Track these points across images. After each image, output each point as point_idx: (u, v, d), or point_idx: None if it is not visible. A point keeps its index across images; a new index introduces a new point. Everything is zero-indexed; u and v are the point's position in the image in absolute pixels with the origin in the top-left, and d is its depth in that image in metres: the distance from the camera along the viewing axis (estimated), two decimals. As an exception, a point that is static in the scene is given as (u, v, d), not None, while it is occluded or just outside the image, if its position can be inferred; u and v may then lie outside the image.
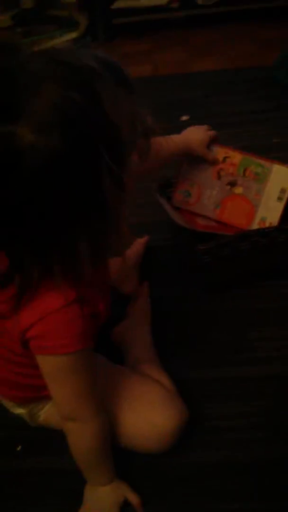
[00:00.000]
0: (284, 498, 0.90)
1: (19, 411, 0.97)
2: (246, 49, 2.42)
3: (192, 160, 1.24)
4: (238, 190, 1.23)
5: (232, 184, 1.23)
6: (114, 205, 0.65)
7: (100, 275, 0.81)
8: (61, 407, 0.82)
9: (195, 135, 1.22)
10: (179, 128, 1.86)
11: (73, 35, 2.60)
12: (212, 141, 1.24)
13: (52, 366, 0.77)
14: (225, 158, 1.24)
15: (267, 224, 1.20)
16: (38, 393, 0.89)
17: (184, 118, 1.94)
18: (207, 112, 1.97)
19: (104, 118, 0.61)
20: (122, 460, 0.92)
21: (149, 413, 0.91)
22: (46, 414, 0.96)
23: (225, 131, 1.82)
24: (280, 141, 1.75)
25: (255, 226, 1.21)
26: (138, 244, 1.32)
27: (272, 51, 2.26)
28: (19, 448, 1.00)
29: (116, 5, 2.65)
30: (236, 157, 1.22)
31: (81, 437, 0.84)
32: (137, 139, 0.65)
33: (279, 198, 1.19)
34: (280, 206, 1.19)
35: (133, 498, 0.89)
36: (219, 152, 1.24)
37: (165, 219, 1.26)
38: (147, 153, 0.70)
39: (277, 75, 2.06)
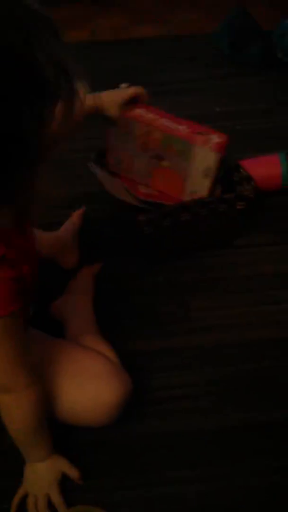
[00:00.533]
0: (225, 464, 0.91)
1: None
2: (188, 16, 2.38)
3: (116, 127, 1.21)
4: (165, 163, 1.20)
5: (159, 157, 1.20)
6: (36, 158, 0.61)
7: (23, 236, 0.79)
8: None
9: (108, 95, 1.19)
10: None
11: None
12: (134, 101, 1.20)
13: None
14: (147, 132, 1.20)
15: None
16: None
17: (124, 85, 1.89)
18: (147, 80, 1.90)
19: (30, 51, 0.56)
20: (62, 435, 0.92)
21: (94, 387, 0.89)
22: None
23: (167, 98, 1.80)
24: (222, 109, 1.74)
25: (186, 197, 1.19)
26: (75, 216, 1.29)
27: (214, 18, 2.24)
28: None
29: None
30: (157, 133, 1.19)
31: (17, 409, 0.81)
32: (63, 85, 0.60)
33: (206, 175, 1.17)
34: (206, 182, 1.17)
35: (72, 472, 0.88)
36: (140, 127, 1.20)
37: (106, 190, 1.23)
38: (72, 107, 0.65)
39: (219, 44, 2.03)
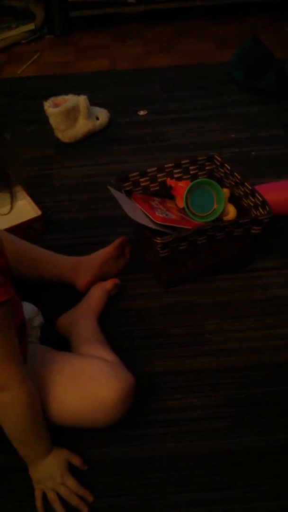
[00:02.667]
0: (237, 487, 0.92)
1: None
2: (202, 46, 2.44)
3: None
4: None
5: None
6: None
7: None
8: None
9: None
10: (137, 122, 1.89)
11: (29, 27, 2.55)
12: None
13: None
14: None
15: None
16: None
17: (142, 113, 1.95)
18: (163, 107, 1.98)
19: None
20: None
21: (91, 386, 0.91)
22: None
23: (182, 126, 1.85)
24: (238, 136, 1.78)
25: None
26: (111, 249, 1.27)
27: (228, 48, 2.30)
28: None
29: (73, -2, 2.63)
30: None
31: (13, 408, 0.83)
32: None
33: None
34: None
35: (75, 459, 0.92)
36: None
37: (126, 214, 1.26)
38: None
39: (233, 73, 2.09)
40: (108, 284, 1.22)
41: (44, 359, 0.95)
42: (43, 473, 0.91)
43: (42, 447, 0.90)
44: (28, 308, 1.07)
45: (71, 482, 0.91)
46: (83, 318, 1.14)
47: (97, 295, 1.20)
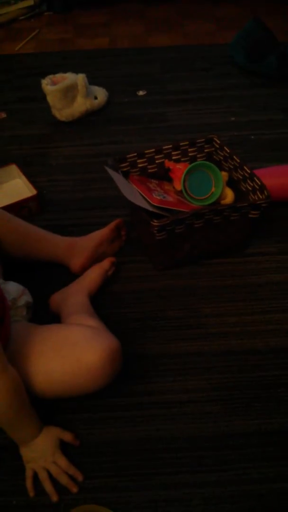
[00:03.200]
0: (229, 470, 0.92)
1: None
2: (203, 26, 2.41)
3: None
4: None
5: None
6: None
7: None
8: None
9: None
10: (136, 103, 1.86)
11: (28, 3, 2.51)
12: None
13: None
14: None
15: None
16: None
17: (141, 93, 1.92)
18: (163, 87, 1.95)
19: None
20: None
21: (73, 352, 0.91)
22: None
23: (182, 107, 1.83)
24: (237, 119, 1.76)
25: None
26: (107, 231, 1.26)
27: (230, 29, 2.26)
28: None
29: (73, -26, 2.58)
30: None
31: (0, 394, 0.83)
32: None
33: None
34: None
35: (66, 435, 0.93)
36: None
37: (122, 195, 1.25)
38: None
39: (234, 55, 2.06)
40: (105, 263, 1.21)
41: (27, 334, 0.95)
42: (34, 453, 0.91)
43: (31, 429, 0.90)
44: (13, 288, 1.06)
45: (62, 461, 0.91)
46: (74, 294, 1.14)
47: (93, 274, 1.19)
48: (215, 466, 0.93)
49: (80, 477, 0.91)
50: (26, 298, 1.07)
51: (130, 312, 1.18)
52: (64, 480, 0.90)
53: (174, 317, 1.16)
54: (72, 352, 0.90)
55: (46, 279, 1.22)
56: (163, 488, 0.90)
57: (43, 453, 0.91)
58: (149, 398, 1.02)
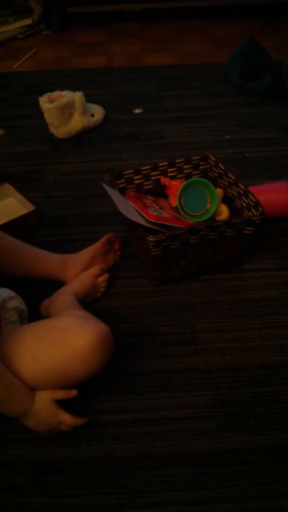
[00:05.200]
0: (223, 487, 0.92)
1: None
2: (200, 46, 2.44)
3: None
4: None
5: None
6: None
7: None
8: None
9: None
10: (132, 120, 1.88)
11: (27, 21, 2.54)
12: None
13: None
14: None
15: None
16: None
17: (137, 111, 1.95)
18: (159, 106, 1.98)
19: None
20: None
21: (63, 338, 0.92)
22: None
23: (177, 125, 1.85)
24: (232, 137, 1.78)
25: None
26: (99, 244, 1.27)
27: (225, 48, 2.30)
28: None
29: (71, -6, 2.62)
30: None
31: None
32: None
33: None
34: None
35: (60, 394, 0.94)
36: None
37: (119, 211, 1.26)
38: None
39: (229, 74, 2.09)
40: (94, 269, 1.22)
41: (17, 332, 0.97)
42: (37, 421, 0.94)
43: (26, 397, 0.92)
44: (4, 292, 1.08)
45: (67, 418, 0.94)
46: (61, 294, 1.16)
47: (81, 277, 1.21)
48: (211, 483, 0.92)
49: (85, 420, 0.95)
50: (17, 303, 1.08)
51: (126, 327, 1.18)
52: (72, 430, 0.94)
53: (170, 333, 1.17)
54: (62, 338, 0.92)
55: (41, 293, 1.23)
56: (159, 505, 0.89)
57: (46, 419, 0.93)
58: (144, 414, 1.02)
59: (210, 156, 1.41)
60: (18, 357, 0.92)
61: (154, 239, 1.12)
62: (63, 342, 0.91)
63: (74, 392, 0.95)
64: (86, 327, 0.93)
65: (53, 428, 0.95)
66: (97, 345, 0.91)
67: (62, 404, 0.95)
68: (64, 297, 1.14)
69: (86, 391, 1.00)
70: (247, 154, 1.70)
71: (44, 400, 0.93)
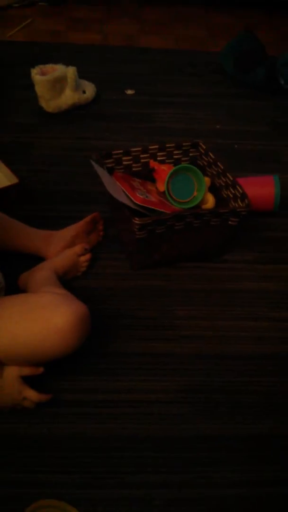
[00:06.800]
0: (190, 472, 0.93)
1: None
2: (197, 32, 2.42)
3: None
4: None
5: None
6: None
7: None
8: None
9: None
10: (124, 101, 1.86)
11: (22, -9, 2.48)
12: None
13: None
14: None
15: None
16: None
17: (130, 92, 1.92)
18: (152, 89, 1.96)
19: None
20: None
21: (42, 315, 0.92)
22: None
23: (168, 110, 1.84)
24: (222, 128, 1.78)
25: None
26: (83, 223, 1.26)
27: (222, 37, 2.28)
28: None
29: None
30: None
31: None
32: None
33: None
34: None
35: (26, 370, 0.94)
36: None
37: (105, 190, 1.24)
38: None
39: (224, 63, 2.07)
40: (77, 247, 1.21)
41: None
42: (2, 397, 0.93)
43: None
44: None
45: (32, 394, 0.94)
46: (41, 269, 1.15)
47: (63, 255, 1.20)
48: (179, 468, 0.93)
49: (49, 397, 0.95)
50: None
51: (104, 308, 1.17)
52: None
53: (147, 317, 1.17)
54: (41, 315, 0.91)
55: (20, 266, 1.21)
56: (125, 487, 0.90)
57: (11, 395, 0.93)
58: (118, 395, 1.02)
59: (200, 143, 1.41)
60: None
61: (140, 222, 1.11)
62: (42, 318, 0.91)
63: (40, 370, 0.94)
64: (66, 306, 0.92)
65: (15, 404, 0.95)
66: (76, 324, 0.91)
67: (31, 381, 0.95)
68: (44, 272, 1.13)
69: (58, 370, 1.00)
70: (236, 146, 1.70)
71: (11, 375, 0.93)
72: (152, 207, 1.21)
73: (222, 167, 1.32)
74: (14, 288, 1.14)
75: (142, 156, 1.37)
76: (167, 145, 1.39)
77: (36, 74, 1.68)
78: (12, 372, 0.94)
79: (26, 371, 0.94)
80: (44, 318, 0.91)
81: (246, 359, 1.10)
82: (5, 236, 1.20)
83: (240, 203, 1.25)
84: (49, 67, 1.72)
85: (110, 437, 0.96)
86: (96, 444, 0.95)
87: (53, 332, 0.90)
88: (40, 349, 0.92)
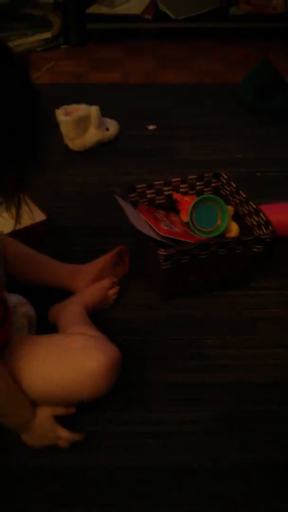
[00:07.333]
0: (224, 504, 0.92)
1: None
2: (213, 66, 2.48)
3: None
4: None
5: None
6: None
7: None
8: None
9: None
10: (146, 136, 1.91)
11: (46, 35, 2.59)
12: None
13: None
14: None
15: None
16: None
17: (151, 127, 1.97)
18: (172, 123, 2.00)
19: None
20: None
21: (76, 358, 0.93)
22: None
23: (190, 143, 1.87)
24: (244, 156, 1.80)
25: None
26: (109, 256, 1.29)
27: (238, 69, 2.33)
28: None
29: (91, 10, 2.67)
30: None
31: None
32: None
33: None
34: None
35: (59, 411, 0.95)
36: None
37: (130, 223, 1.27)
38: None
39: (242, 95, 2.12)
40: (106, 281, 1.23)
41: (29, 342, 0.98)
42: (35, 435, 0.95)
43: (28, 411, 0.93)
44: (15, 297, 1.09)
45: (64, 433, 0.95)
46: (71, 304, 1.17)
47: (92, 289, 1.22)
48: (214, 499, 0.92)
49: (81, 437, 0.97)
50: (27, 309, 1.09)
51: (131, 339, 1.18)
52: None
53: (175, 346, 1.17)
54: (74, 358, 0.93)
55: (49, 298, 1.23)
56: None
57: (43, 433, 0.94)
58: (148, 427, 1.02)
59: (222, 173, 1.43)
60: (26, 371, 0.92)
61: (165, 253, 1.13)
62: (76, 363, 0.92)
63: (72, 410, 0.96)
64: (99, 350, 0.94)
65: (49, 442, 0.96)
66: (109, 369, 0.92)
67: (58, 417, 0.96)
68: (75, 308, 1.15)
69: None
70: (258, 174, 1.72)
71: (44, 415, 0.94)
72: (177, 238, 1.23)
73: (244, 196, 1.34)
74: (44, 321, 1.16)
75: (165, 188, 1.40)
76: (189, 177, 1.42)
77: (60, 115, 1.74)
78: (45, 412, 0.95)
79: (59, 411, 0.96)
80: (78, 362, 0.92)
81: (274, 387, 1.09)
82: (34, 271, 1.23)
83: (264, 230, 1.26)
84: (73, 107, 1.78)
85: (142, 468, 0.96)
86: (126, 476, 0.95)
87: (86, 376, 0.92)
88: (71, 392, 0.94)
